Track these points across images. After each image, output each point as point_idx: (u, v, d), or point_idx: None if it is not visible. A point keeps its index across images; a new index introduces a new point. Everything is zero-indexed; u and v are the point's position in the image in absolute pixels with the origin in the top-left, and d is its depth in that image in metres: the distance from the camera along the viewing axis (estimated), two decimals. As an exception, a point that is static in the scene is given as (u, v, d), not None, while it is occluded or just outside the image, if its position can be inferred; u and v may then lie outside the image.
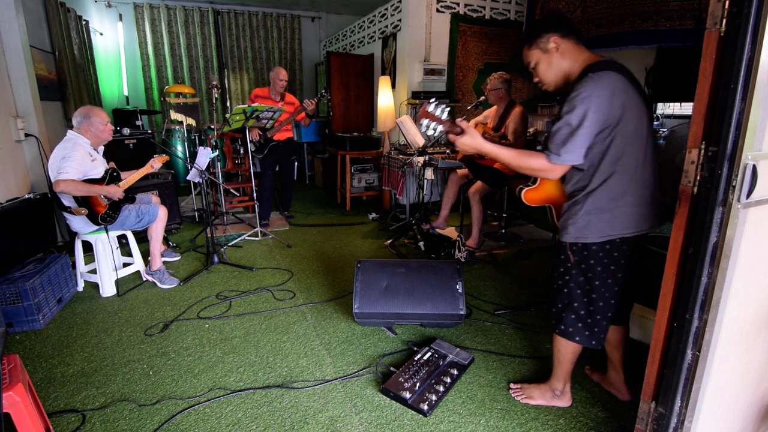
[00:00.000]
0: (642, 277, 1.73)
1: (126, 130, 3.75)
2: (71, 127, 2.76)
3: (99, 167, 2.76)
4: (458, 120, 1.66)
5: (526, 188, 1.77)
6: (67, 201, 2.68)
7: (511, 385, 1.96)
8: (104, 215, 2.73)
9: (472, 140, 1.61)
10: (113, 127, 2.92)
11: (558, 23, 1.51)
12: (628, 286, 1.72)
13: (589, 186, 1.51)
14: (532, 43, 1.56)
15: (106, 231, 2.85)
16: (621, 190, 1.48)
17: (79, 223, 2.76)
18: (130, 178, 2.93)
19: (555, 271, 1.71)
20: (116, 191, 2.75)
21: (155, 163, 3.03)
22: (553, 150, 1.44)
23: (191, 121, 5.59)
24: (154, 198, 3.28)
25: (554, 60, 1.53)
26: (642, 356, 1.83)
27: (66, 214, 2.74)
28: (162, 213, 3.01)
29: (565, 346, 1.72)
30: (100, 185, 2.71)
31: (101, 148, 2.91)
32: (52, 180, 2.57)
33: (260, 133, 4.14)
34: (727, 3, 1.06)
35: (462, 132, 1.63)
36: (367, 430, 1.70)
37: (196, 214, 4.77)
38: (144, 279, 3.04)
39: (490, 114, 3.74)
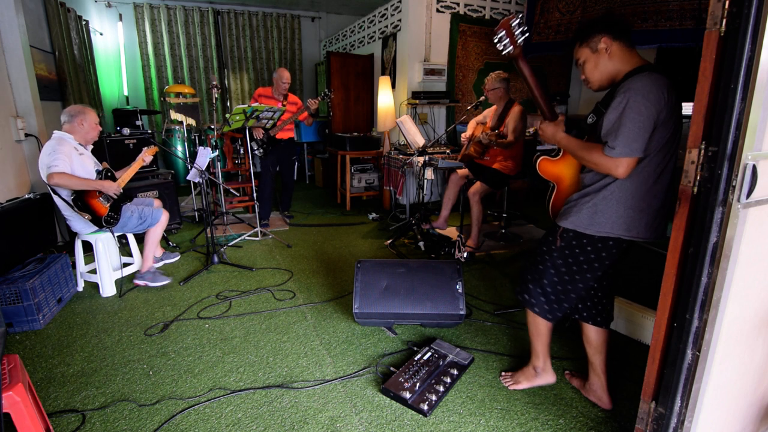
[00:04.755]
0: (642, 277, 1.74)
1: (126, 130, 3.74)
2: (53, 129, 2.74)
3: (88, 162, 2.75)
4: (560, 112, 1.68)
5: (545, 157, 1.76)
6: (64, 208, 2.68)
7: (503, 373, 2.03)
8: (107, 218, 2.72)
9: (555, 129, 1.65)
10: (100, 129, 2.92)
11: (611, 25, 1.50)
12: (608, 288, 1.75)
13: (606, 182, 1.51)
14: (583, 42, 1.55)
15: (113, 233, 2.87)
16: (634, 194, 1.49)
17: (79, 223, 2.76)
18: (125, 175, 2.92)
19: (537, 246, 1.75)
20: (111, 185, 2.74)
21: (146, 156, 3.02)
22: (609, 143, 1.41)
23: (191, 121, 5.59)
24: (156, 201, 3.27)
25: (601, 61, 1.53)
26: (641, 356, 1.84)
27: (66, 215, 2.74)
28: (164, 218, 3.00)
29: (535, 321, 1.78)
30: (94, 180, 2.71)
31: (89, 146, 2.89)
32: (44, 176, 2.55)
33: (264, 132, 4.14)
34: (727, 3, 1.06)
35: (553, 119, 1.66)
36: (367, 430, 1.70)
37: (196, 214, 4.77)
38: (135, 284, 2.98)
39: (489, 114, 3.74)
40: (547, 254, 1.69)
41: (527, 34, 1.59)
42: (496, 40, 1.60)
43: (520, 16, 1.58)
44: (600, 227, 1.53)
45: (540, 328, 1.80)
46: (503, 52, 1.60)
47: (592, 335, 1.79)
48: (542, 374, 1.89)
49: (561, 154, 1.73)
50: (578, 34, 1.58)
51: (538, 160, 1.77)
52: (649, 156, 1.44)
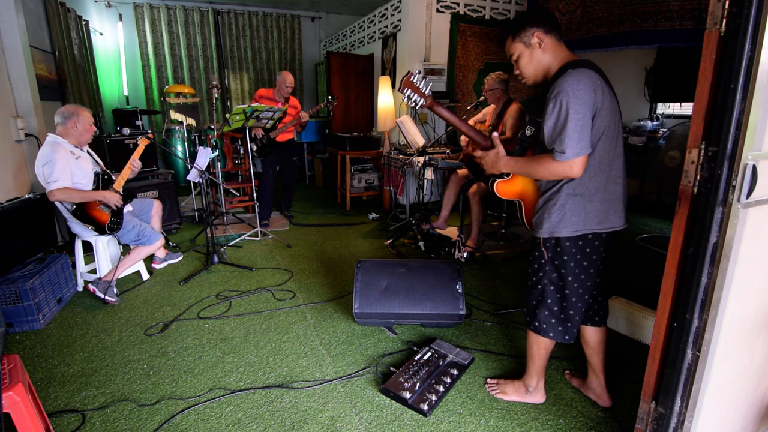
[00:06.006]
0: (642, 277, 1.73)
1: (126, 130, 3.74)
2: (53, 130, 2.70)
3: (86, 165, 2.72)
4: (493, 134, 1.66)
5: (499, 180, 1.76)
6: (64, 211, 2.68)
7: (488, 380, 1.99)
8: (110, 225, 2.72)
9: (495, 156, 1.64)
10: (96, 130, 2.83)
11: (543, 18, 1.52)
12: (602, 286, 1.74)
13: (563, 181, 1.52)
14: (515, 36, 1.55)
15: (118, 240, 2.88)
16: (594, 186, 1.50)
17: (80, 227, 2.75)
18: (122, 175, 2.85)
19: (528, 268, 1.73)
20: (113, 196, 2.72)
21: (135, 162, 2.88)
22: (556, 148, 1.43)
23: (191, 121, 5.59)
24: (156, 202, 3.26)
25: (536, 55, 1.54)
26: (641, 356, 1.85)
27: (67, 216, 2.74)
28: (158, 243, 2.97)
29: (537, 342, 1.74)
30: (95, 191, 2.69)
31: (85, 147, 2.84)
32: (44, 185, 2.54)
33: (263, 133, 4.14)
34: (727, 3, 1.06)
35: (487, 145, 1.65)
36: (367, 430, 1.70)
37: (196, 214, 4.77)
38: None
39: (488, 112, 3.74)
40: (541, 271, 1.66)
41: (431, 83, 1.65)
42: (405, 99, 1.66)
43: (418, 71, 1.64)
44: (574, 226, 1.54)
45: (540, 351, 1.76)
46: (417, 108, 1.68)
47: (590, 336, 1.78)
48: (534, 393, 1.86)
49: (512, 173, 1.73)
50: (510, 29, 1.57)
51: (494, 185, 1.76)
52: (596, 147, 1.46)
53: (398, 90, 1.67)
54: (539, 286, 1.67)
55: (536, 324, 1.70)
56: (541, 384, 1.85)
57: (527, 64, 1.56)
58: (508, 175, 1.74)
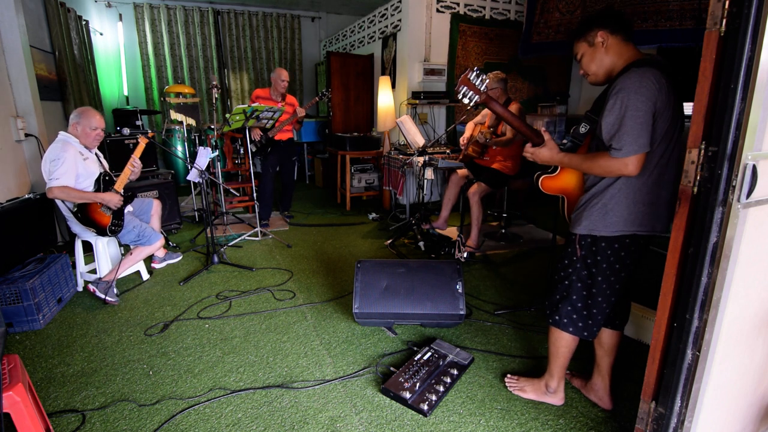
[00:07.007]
0: (642, 277, 1.73)
1: (126, 130, 3.74)
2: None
3: (92, 166, 2.72)
4: (544, 130, 1.67)
5: (545, 175, 1.76)
6: (65, 211, 2.68)
7: (508, 376, 1.99)
8: (111, 227, 2.72)
9: (550, 152, 1.64)
10: (103, 135, 2.81)
11: (609, 19, 1.53)
12: (628, 290, 1.72)
13: (610, 179, 1.50)
14: (581, 36, 1.58)
15: (118, 241, 2.89)
16: (641, 187, 1.48)
17: (80, 227, 2.75)
18: (122, 177, 2.84)
19: (558, 263, 1.71)
20: (112, 198, 2.70)
21: (135, 162, 2.87)
22: (613, 145, 1.42)
23: (191, 121, 5.59)
24: (155, 202, 3.26)
25: (598, 54, 1.54)
26: (641, 356, 1.85)
27: (67, 216, 2.74)
28: (158, 243, 2.97)
29: (559, 339, 1.73)
30: (95, 193, 2.69)
31: (93, 149, 2.83)
32: (46, 186, 2.55)
33: (261, 134, 4.14)
34: (727, 3, 1.06)
35: (541, 143, 1.65)
36: (367, 430, 1.70)
37: (196, 214, 4.77)
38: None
39: (487, 113, 3.74)
40: (570, 267, 1.65)
41: (487, 80, 1.67)
42: (460, 96, 1.69)
43: (476, 68, 1.68)
44: (614, 226, 1.52)
45: (561, 350, 1.75)
46: (470, 104, 1.70)
47: (606, 338, 1.77)
48: (553, 395, 1.84)
49: (559, 169, 1.72)
50: (577, 29, 1.60)
51: (540, 180, 1.76)
52: (653, 149, 1.44)
53: (455, 89, 1.71)
54: (566, 282, 1.66)
55: (557, 318, 1.70)
56: (562, 386, 1.84)
57: (589, 62, 1.57)
58: (554, 171, 1.73)
